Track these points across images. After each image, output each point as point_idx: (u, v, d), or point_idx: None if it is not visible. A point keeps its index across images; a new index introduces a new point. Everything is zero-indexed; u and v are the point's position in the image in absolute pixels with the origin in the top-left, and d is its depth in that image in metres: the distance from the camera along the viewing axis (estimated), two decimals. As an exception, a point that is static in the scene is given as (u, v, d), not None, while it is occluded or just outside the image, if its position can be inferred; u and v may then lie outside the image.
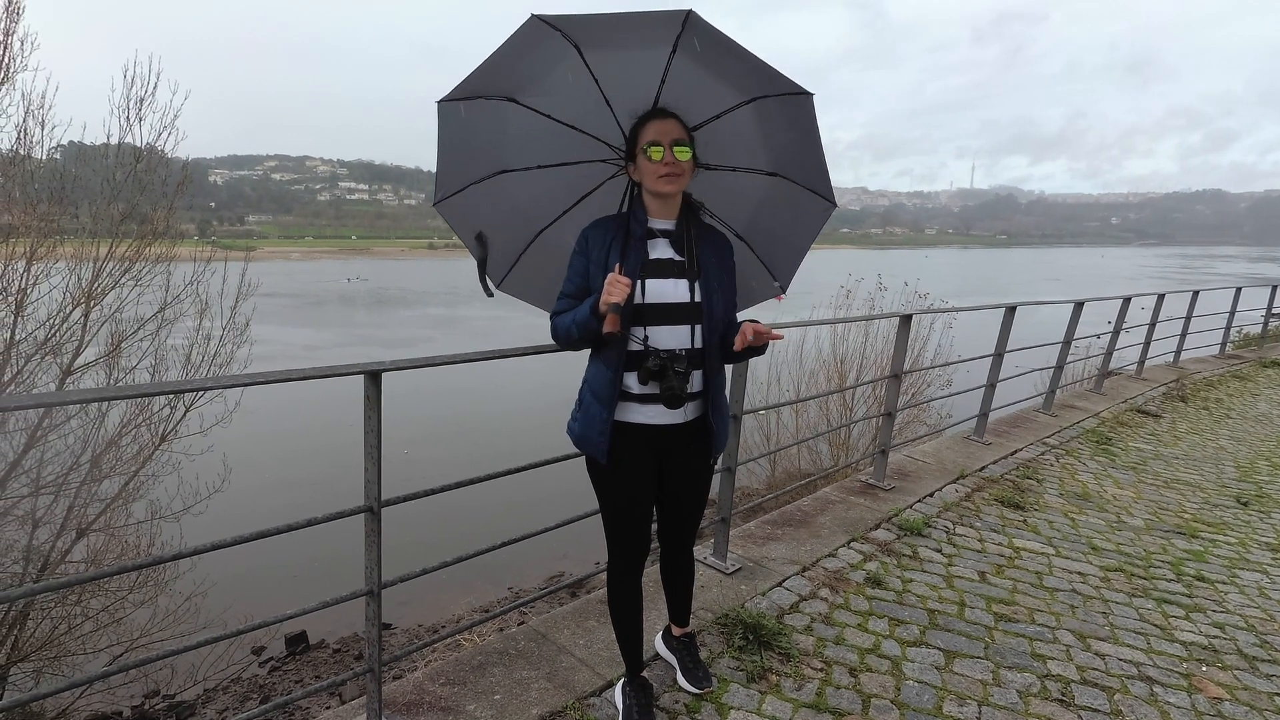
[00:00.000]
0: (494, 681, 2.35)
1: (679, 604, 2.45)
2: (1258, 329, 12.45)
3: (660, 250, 1.95)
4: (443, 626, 8.76)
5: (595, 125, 1.94)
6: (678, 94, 1.84)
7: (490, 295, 2.10)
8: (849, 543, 3.69)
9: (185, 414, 8.02)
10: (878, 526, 3.92)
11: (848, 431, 10.79)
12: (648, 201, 1.95)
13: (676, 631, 2.51)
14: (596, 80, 1.80)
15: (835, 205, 2.04)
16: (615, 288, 1.79)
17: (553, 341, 2.05)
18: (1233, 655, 2.95)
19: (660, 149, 1.83)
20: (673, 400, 1.86)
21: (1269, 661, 2.92)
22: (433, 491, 2.06)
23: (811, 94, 1.72)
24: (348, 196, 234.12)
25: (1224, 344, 10.85)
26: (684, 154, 1.85)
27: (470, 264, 2.04)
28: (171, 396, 7.88)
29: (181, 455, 8.05)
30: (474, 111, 1.83)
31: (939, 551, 3.71)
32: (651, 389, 1.91)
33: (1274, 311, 11.64)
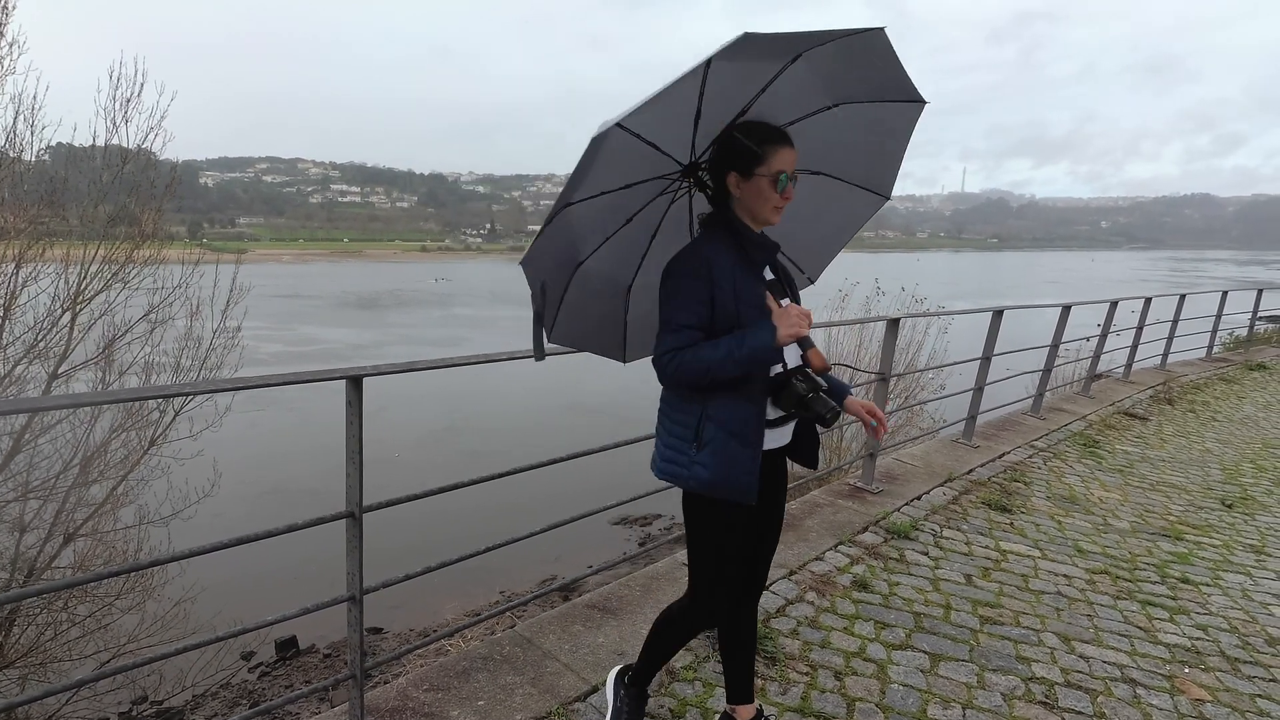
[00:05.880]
0: (478, 687, 2.34)
1: (748, 671, 2.12)
2: (1245, 332, 12.56)
3: (765, 271, 1.84)
4: (433, 631, 8.74)
5: (658, 159, 1.72)
6: (771, 102, 1.69)
7: (539, 359, 1.85)
8: (836, 546, 3.70)
9: (175, 418, 7.98)
10: (865, 530, 3.93)
11: (839, 434, 10.82)
12: (745, 220, 1.79)
13: (746, 715, 2.14)
14: (701, 95, 1.59)
15: (887, 198, 1.92)
16: (803, 320, 1.68)
17: (678, 381, 1.74)
18: (1215, 657, 2.98)
19: (790, 183, 1.72)
20: (834, 416, 1.73)
21: (1251, 663, 2.95)
22: (415, 497, 2.06)
23: (925, 103, 1.63)
24: (340, 199, 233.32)
25: (1210, 347, 10.93)
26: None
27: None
28: (161, 401, 7.85)
29: (170, 459, 8.02)
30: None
31: (926, 555, 3.72)
32: (785, 413, 1.80)
33: (1260, 315, 11.75)
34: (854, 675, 2.63)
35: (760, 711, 2.17)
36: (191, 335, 8.13)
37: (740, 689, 2.12)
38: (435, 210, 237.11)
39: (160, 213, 8.07)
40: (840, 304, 12.08)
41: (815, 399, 1.73)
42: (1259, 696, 2.72)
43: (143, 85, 7.47)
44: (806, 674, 2.62)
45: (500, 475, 2.32)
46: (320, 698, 7.18)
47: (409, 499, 2.04)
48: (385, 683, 2.41)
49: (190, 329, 8.14)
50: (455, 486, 2.14)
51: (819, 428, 1.89)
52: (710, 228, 1.81)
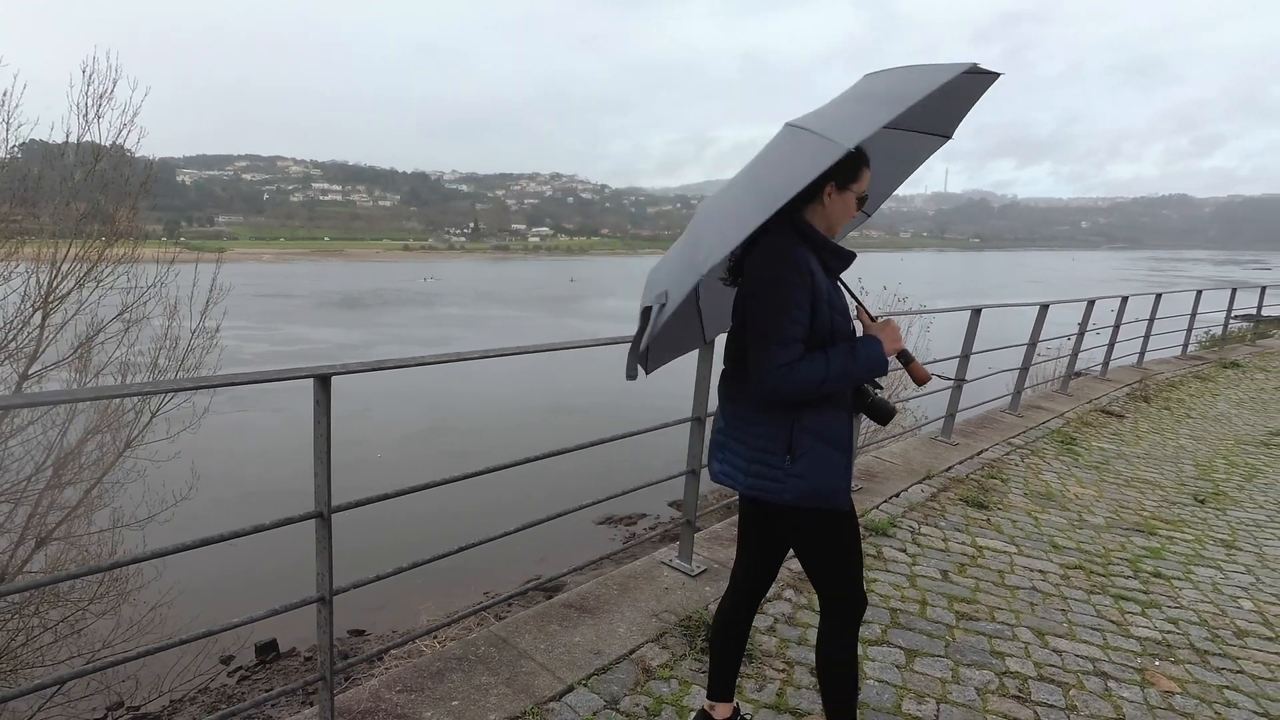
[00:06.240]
0: (452, 688, 2.32)
1: (736, 669, 2.16)
2: (1219, 330, 12.76)
3: None
4: (414, 632, 8.68)
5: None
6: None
7: (631, 378, 1.81)
8: (815, 543, 3.71)
9: (151, 419, 7.89)
10: (844, 527, 3.94)
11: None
12: (820, 228, 1.80)
13: (724, 713, 2.12)
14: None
15: (869, 215, 1.99)
16: (899, 332, 1.79)
17: (788, 396, 1.68)
18: (1185, 650, 3.02)
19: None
20: (894, 414, 1.86)
21: (1219, 655, 2.99)
22: (386, 496, 2.04)
23: (949, 138, 1.67)
24: (321, 197, 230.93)
25: (1186, 345, 11.10)
26: None
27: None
28: (137, 402, 7.74)
29: (147, 462, 7.92)
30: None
31: (903, 551, 3.75)
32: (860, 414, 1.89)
33: (1234, 313, 11.95)
34: (830, 672, 2.64)
35: (738, 710, 2.17)
36: (169, 335, 8.03)
37: (725, 686, 2.11)
38: (418, 209, 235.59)
39: (135, 210, 7.96)
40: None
41: (880, 400, 1.82)
42: (1226, 688, 2.76)
43: (116, 81, 7.37)
44: (783, 671, 2.62)
45: (473, 475, 2.30)
46: (301, 701, 7.12)
47: (379, 499, 2.02)
48: (358, 684, 2.38)
49: (168, 329, 8.03)
50: (427, 486, 2.12)
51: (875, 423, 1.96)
52: (780, 230, 1.74)
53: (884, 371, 1.74)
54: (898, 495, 4.50)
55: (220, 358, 8.64)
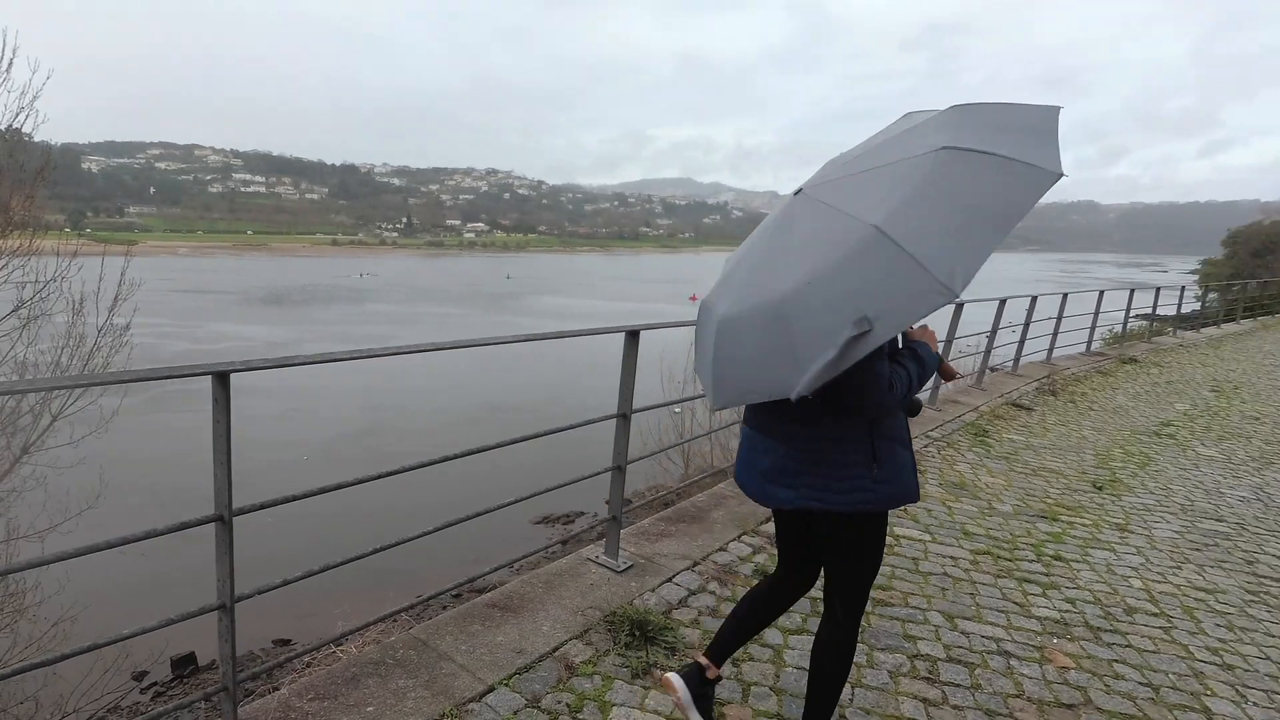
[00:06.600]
0: (368, 693, 2.27)
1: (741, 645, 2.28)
2: (1120, 328, 13.62)
3: None
4: (327, 637, 8.43)
5: None
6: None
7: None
8: (740, 536, 3.78)
9: (53, 423, 7.42)
10: (769, 520, 4.03)
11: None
12: None
13: (714, 674, 2.20)
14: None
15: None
16: (935, 336, 1.90)
17: (888, 405, 1.72)
18: (1081, 627, 3.21)
19: None
20: (920, 407, 1.98)
21: (1111, 631, 3.20)
22: (293, 498, 1.97)
23: (1061, 175, 1.53)
24: (242, 189, 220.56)
25: (1090, 342, 11.79)
26: None
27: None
28: (36, 404, 7.27)
29: (48, 468, 7.45)
30: None
31: (825, 542, 3.85)
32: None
33: (1132, 313, 12.77)
34: (751, 661, 2.70)
35: (720, 678, 2.23)
36: (73, 333, 7.55)
37: (723, 655, 2.21)
38: (348, 203, 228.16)
39: (32, 199, 7.47)
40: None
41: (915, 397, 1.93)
42: (1116, 662, 2.95)
43: (12, 61, 6.89)
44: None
45: (386, 474, 2.25)
46: (218, 713, 6.81)
47: (284, 500, 1.95)
48: (268, 694, 2.29)
49: (72, 326, 7.55)
50: (338, 487, 2.06)
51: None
52: None
53: (934, 373, 1.88)
54: (821, 488, 4.62)
55: (131, 357, 8.19)
